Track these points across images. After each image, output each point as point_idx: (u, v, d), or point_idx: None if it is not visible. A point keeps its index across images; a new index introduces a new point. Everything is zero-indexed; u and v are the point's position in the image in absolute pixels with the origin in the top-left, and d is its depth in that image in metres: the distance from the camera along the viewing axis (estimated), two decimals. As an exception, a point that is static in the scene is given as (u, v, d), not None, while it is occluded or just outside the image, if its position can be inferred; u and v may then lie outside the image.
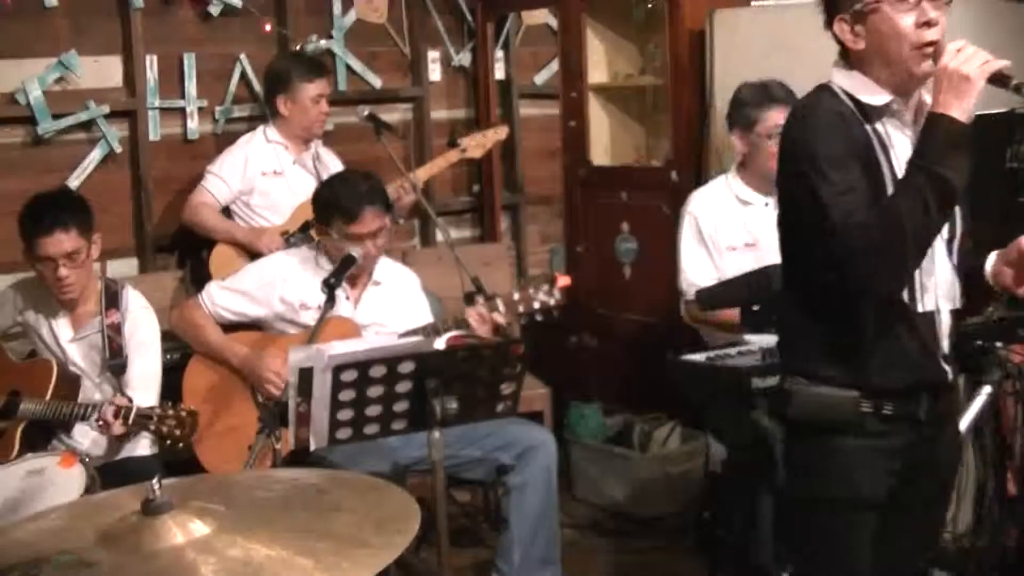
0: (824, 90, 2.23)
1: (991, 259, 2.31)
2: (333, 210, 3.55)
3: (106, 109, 4.39)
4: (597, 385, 4.85)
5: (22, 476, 3.00)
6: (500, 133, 4.80)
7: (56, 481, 2.96)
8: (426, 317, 3.67)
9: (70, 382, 3.38)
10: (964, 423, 3.14)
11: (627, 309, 4.75)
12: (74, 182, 4.37)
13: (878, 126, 2.19)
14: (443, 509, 2.77)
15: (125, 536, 1.70)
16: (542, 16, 5.46)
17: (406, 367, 2.67)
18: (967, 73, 2.04)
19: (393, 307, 3.67)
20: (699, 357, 3.33)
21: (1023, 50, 3.81)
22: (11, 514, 2.74)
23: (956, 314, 2.28)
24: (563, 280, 3.54)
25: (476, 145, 4.66)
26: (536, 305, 3.48)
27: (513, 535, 3.53)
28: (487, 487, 4.16)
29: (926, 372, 2.23)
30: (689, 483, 4.31)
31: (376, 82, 5.07)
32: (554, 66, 5.35)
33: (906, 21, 2.13)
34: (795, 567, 2.45)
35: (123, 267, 4.48)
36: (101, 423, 3.08)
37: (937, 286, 2.22)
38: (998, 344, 3.12)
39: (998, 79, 2.07)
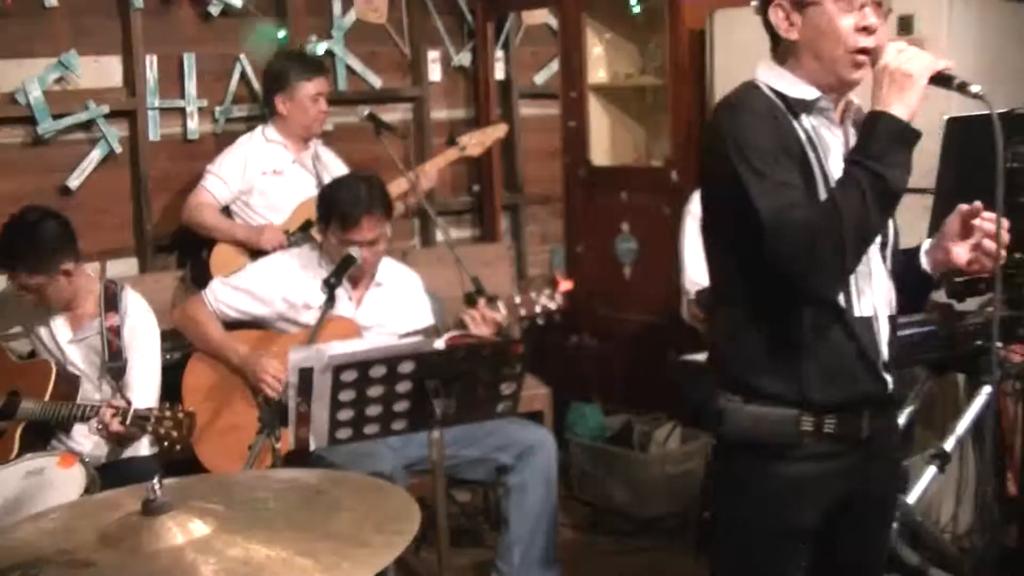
0: (751, 86, 2.14)
1: (925, 247, 2.23)
2: (332, 214, 3.57)
3: (106, 109, 4.39)
4: (597, 385, 4.85)
5: (22, 476, 3.00)
6: (499, 131, 4.80)
7: (56, 481, 2.96)
8: (428, 318, 3.67)
9: (69, 382, 3.38)
10: (964, 423, 3.15)
11: (627, 309, 4.75)
12: (74, 182, 4.37)
13: (805, 123, 2.09)
14: (443, 509, 2.77)
15: (125, 536, 1.70)
16: (542, 16, 5.46)
17: (406, 367, 2.67)
18: (909, 71, 1.97)
19: (395, 308, 3.67)
20: (699, 357, 3.33)
21: (1023, 50, 3.83)
22: (11, 514, 2.74)
23: (894, 320, 2.18)
24: (565, 284, 3.54)
25: (475, 143, 4.66)
26: (537, 309, 3.48)
27: (513, 535, 3.53)
28: (487, 487, 4.17)
29: (866, 382, 2.12)
30: (689, 483, 4.31)
31: (376, 82, 5.07)
32: (554, 66, 5.34)
33: (845, 22, 2.04)
34: None
35: (123, 267, 4.48)
36: (100, 427, 3.07)
37: (874, 290, 2.12)
38: (998, 344, 3.12)
39: (941, 79, 2.00)
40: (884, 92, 1.99)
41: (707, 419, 2.19)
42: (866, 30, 2.04)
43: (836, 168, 2.07)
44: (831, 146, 2.11)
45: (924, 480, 3.11)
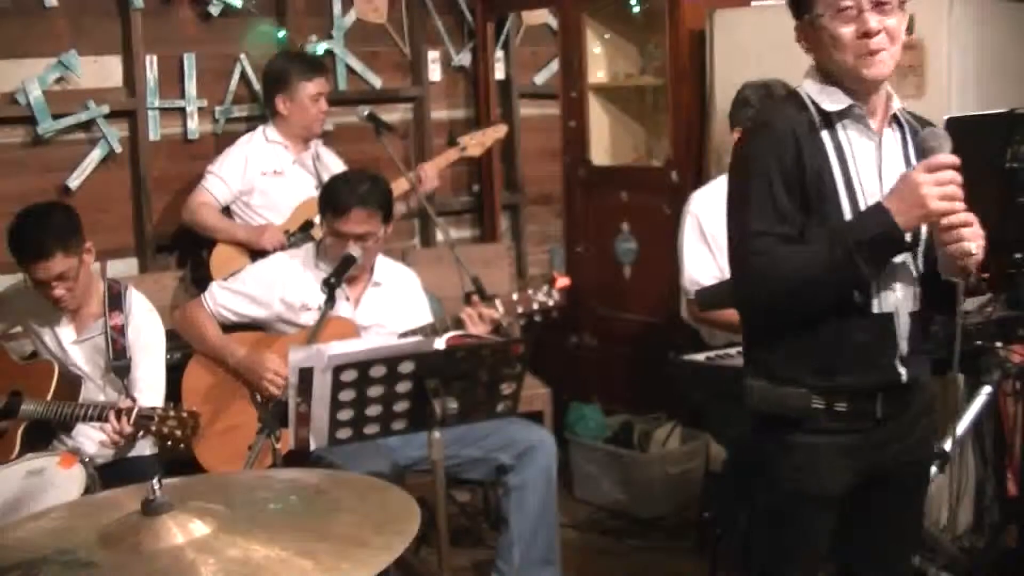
0: (790, 100, 2.29)
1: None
2: (326, 201, 3.61)
3: (106, 109, 4.39)
4: (597, 385, 4.85)
5: (22, 476, 3.00)
6: (499, 131, 4.80)
7: (56, 481, 2.96)
8: (426, 316, 3.67)
9: (71, 383, 3.37)
10: (964, 423, 3.15)
11: (627, 309, 4.75)
12: (74, 182, 4.37)
13: (839, 131, 2.21)
14: (443, 509, 2.77)
15: (125, 536, 1.71)
16: (542, 16, 5.46)
17: (406, 367, 2.67)
18: (929, 206, 2.06)
19: (393, 307, 3.67)
20: (699, 357, 3.33)
21: (1023, 50, 3.83)
22: (11, 514, 2.74)
23: (917, 316, 2.28)
24: (562, 281, 3.54)
25: (476, 143, 4.66)
26: (535, 306, 3.48)
27: (513, 535, 3.53)
28: (487, 487, 4.17)
29: (879, 373, 2.25)
30: (689, 483, 4.31)
31: (376, 82, 5.07)
32: (554, 66, 5.34)
33: (846, 31, 2.15)
34: (756, 561, 2.46)
35: (123, 267, 4.48)
36: (115, 433, 3.05)
37: (897, 289, 2.24)
38: (998, 344, 3.12)
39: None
40: (899, 200, 2.10)
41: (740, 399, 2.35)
42: (867, 35, 2.14)
43: (866, 172, 2.20)
44: (862, 151, 2.22)
45: (924, 480, 3.11)
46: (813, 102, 2.23)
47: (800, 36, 2.24)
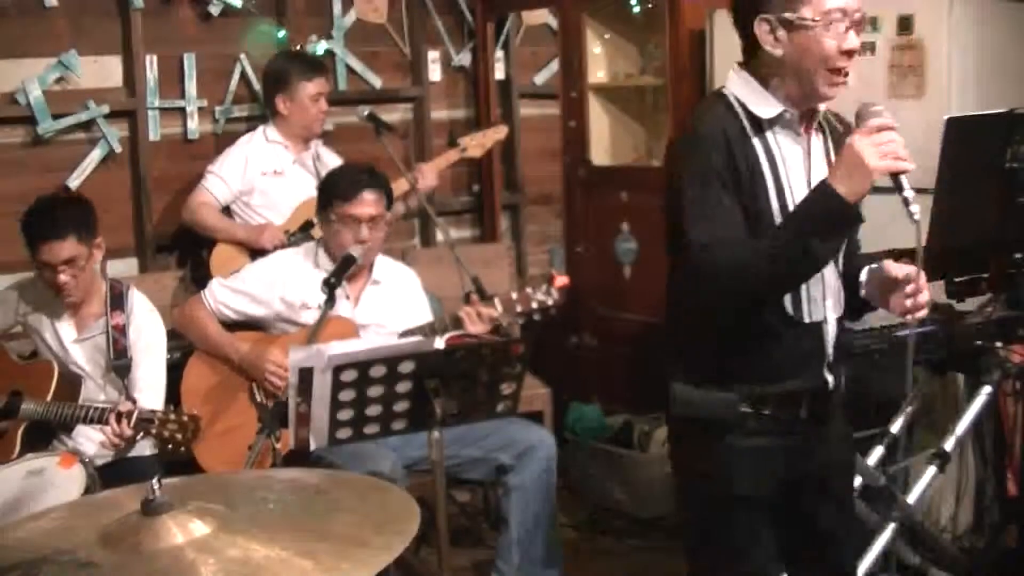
0: (717, 101, 2.22)
1: (865, 273, 2.29)
2: (331, 192, 3.60)
3: (106, 109, 4.39)
4: (597, 385, 4.85)
5: (22, 476, 3.00)
6: (500, 132, 4.80)
7: (56, 481, 2.96)
8: (426, 315, 3.67)
9: (71, 383, 3.37)
10: (964, 423, 3.15)
11: (627, 309, 4.75)
12: (74, 182, 4.37)
13: (769, 136, 2.19)
14: (443, 509, 2.77)
15: (125, 536, 1.70)
16: (542, 16, 5.46)
17: (406, 367, 2.67)
18: (868, 163, 2.01)
19: (393, 306, 3.67)
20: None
21: (1023, 50, 3.83)
22: (11, 514, 2.74)
23: (840, 322, 2.29)
24: (561, 280, 3.53)
25: (476, 144, 4.66)
26: (534, 305, 3.48)
27: (513, 535, 3.53)
28: (487, 487, 4.17)
29: (807, 380, 2.26)
30: (689, 483, 4.31)
31: (376, 82, 5.07)
32: (554, 66, 5.34)
33: (829, 43, 2.11)
34: (690, 566, 2.45)
35: (123, 267, 4.48)
36: (116, 436, 3.05)
37: (825, 296, 2.24)
38: (998, 344, 3.12)
39: (895, 181, 2.05)
40: (841, 168, 2.05)
41: (664, 404, 2.33)
42: (848, 53, 2.11)
43: (795, 177, 2.18)
44: (792, 156, 2.20)
45: (924, 480, 3.12)
46: (742, 105, 2.19)
47: (767, 31, 2.14)
